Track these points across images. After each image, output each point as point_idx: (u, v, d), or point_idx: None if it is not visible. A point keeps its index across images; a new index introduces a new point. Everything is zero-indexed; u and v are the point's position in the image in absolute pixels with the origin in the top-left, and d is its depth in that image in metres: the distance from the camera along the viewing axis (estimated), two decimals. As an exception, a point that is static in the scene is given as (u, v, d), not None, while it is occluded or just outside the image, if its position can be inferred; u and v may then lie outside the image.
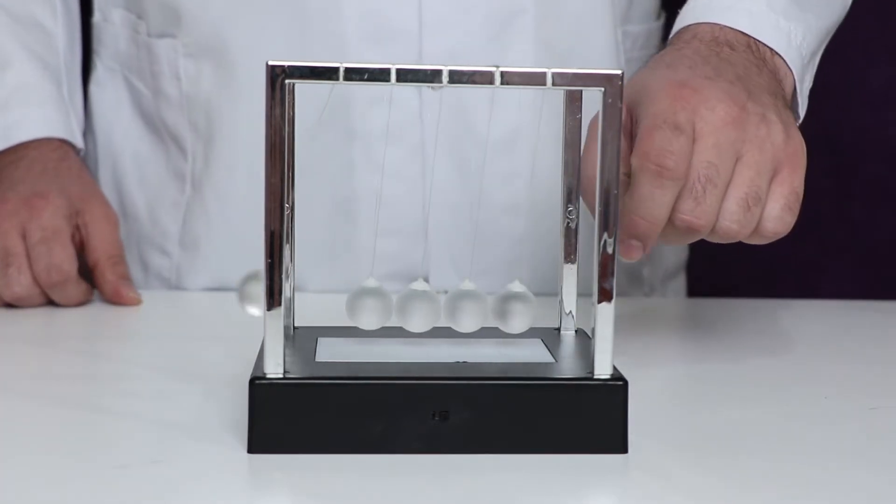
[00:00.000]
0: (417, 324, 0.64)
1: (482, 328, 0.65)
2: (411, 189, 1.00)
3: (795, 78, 0.82)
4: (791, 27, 0.83)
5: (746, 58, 0.81)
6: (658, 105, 0.74)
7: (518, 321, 0.65)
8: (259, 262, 1.06)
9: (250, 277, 0.66)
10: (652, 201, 0.72)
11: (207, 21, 1.01)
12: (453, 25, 0.99)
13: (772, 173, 0.75)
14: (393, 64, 0.59)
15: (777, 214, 0.74)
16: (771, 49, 0.82)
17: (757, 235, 0.75)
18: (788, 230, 0.75)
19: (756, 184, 0.74)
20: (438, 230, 1.01)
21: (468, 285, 0.65)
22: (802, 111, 0.85)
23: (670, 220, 0.73)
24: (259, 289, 0.64)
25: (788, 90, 0.83)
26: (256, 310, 0.66)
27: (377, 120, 0.99)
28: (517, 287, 0.65)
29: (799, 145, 0.76)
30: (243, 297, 0.66)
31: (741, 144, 0.74)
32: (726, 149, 0.74)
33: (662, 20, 1.15)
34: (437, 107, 0.99)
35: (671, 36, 0.85)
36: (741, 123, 0.74)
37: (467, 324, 0.64)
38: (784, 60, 0.82)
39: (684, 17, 0.85)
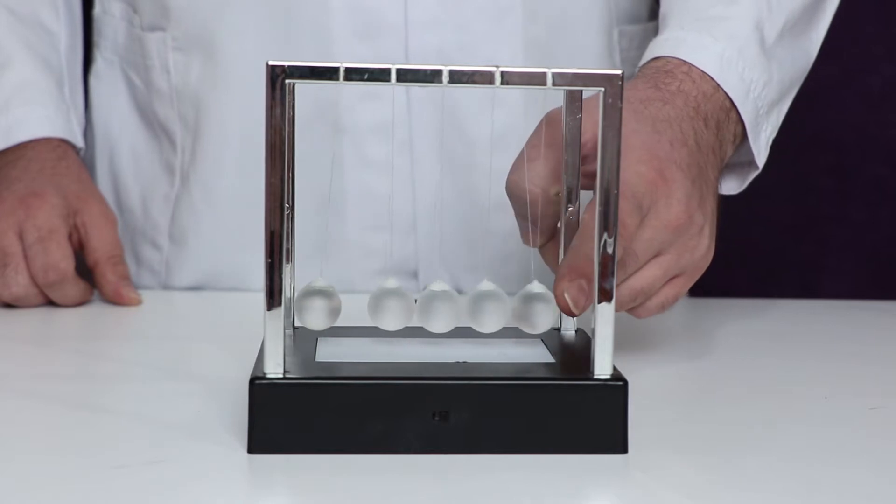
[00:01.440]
0: (439, 325, 0.64)
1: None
2: (400, 185, 1.00)
3: (747, 128, 0.86)
4: (753, 77, 0.86)
5: (711, 136, 0.84)
6: (632, 177, 0.76)
7: (540, 320, 0.64)
8: (246, 257, 1.06)
9: (307, 292, 0.65)
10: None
11: (195, 15, 1.01)
12: (441, 22, 0.99)
13: (672, 276, 0.78)
14: (393, 64, 0.59)
15: (651, 307, 0.78)
16: (728, 96, 0.85)
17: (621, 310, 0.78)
18: (647, 315, 0.79)
19: (655, 285, 0.77)
20: (427, 226, 1.02)
21: (488, 285, 0.64)
22: (761, 160, 0.88)
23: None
24: (315, 303, 0.64)
25: (731, 141, 0.86)
26: (316, 322, 0.65)
27: (365, 115, 0.99)
28: (537, 287, 0.65)
29: (708, 260, 0.80)
30: (299, 311, 0.65)
31: (668, 246, 0.77)
32: (654, 245, 0.77)
33: (641, 25, 1.15)
34: (425, 103, 0.99)
35: (650, 57, 0.87)
36: (681, 230, 0.77)
37: (490, 324, 0.64)
38: (738, 111, 0.85)
39: (662, 46, 0.87)
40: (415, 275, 1.03)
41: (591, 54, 1.05)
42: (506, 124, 1.01)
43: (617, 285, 0.69)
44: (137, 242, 1.07)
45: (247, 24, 1.00)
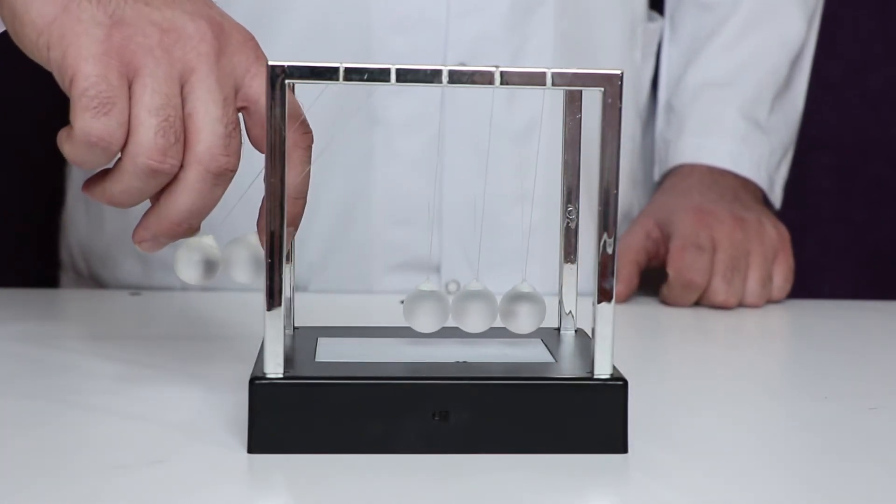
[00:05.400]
0: (425, 324, 0.63)
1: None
2: (428, 179, 1.00)
3: (765, 190, 1.11)
4: (759, 155, 1.10)
5: (734, 181, 1.09)
6: (683, 227, 1.02)
7: (526, 321, 0.64)
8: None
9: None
10: (682, 300, 1.01)
11: (233, 9, 1.00)
12: (478, 15, 1.00)
13: (773, 258, 1.02)
14: (393, 64, 0.59)
15: (780, 285, 1.03)
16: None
17: (768, 303, 1.03)
18: (786, 295, 1.04)
19: (765, 268, 1.01)
20: (452, 221, 1.02)
21: (476, 285, 0.64)
22: (778, 203, 1.14)
23: (703, 299, 1.01)
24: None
25: (753, 193, 1.11)
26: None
27: (399, 109, 1.00)
28: (525, 287, 0.65)
29: (786, 234, 1.05)
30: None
31: (748, 242, 1.02)
32: (739, 246, 1.01)
33: (659, 22, 1.16)
34: (458, 98, 1.00)
35: (664, 170, 1.11)
36: (744, 227, 1.02)
37: (475, 324, 0.64)
38: (755, 182, 1.11)
39: (676, 156, 1.11)
40: (437, 270, 1.03)
41: (621, 51, 1.07)
42: (534, 118, 1.01)
43: (737, 304, 1.01)
44: None
45: (286, 18, 1.00)
